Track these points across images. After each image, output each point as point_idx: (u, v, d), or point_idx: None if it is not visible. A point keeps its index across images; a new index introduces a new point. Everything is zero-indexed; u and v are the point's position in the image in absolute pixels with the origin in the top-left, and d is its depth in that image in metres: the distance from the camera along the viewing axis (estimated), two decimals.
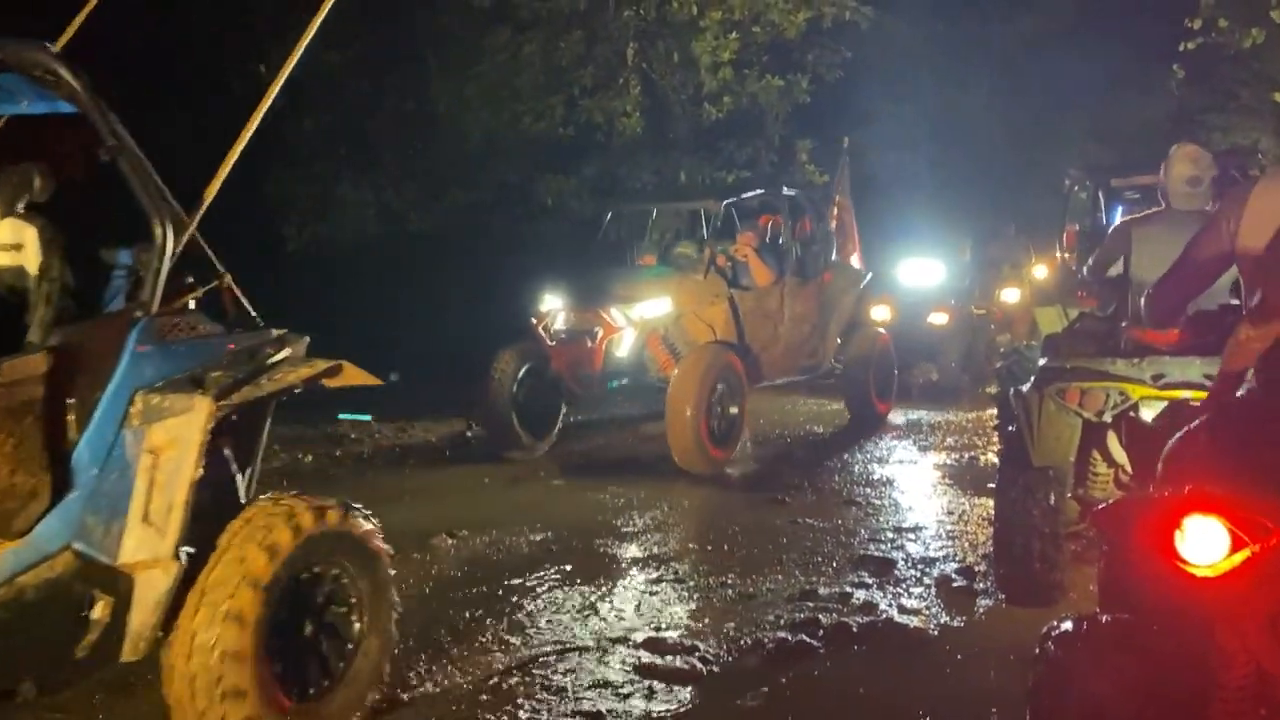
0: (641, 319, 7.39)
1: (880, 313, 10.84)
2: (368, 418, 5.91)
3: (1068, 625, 2.08)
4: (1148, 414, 3.67)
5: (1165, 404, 3.58)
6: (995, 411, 8.57)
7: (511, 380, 7.48)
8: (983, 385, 10.87)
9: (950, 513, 5.91)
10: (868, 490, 6.53)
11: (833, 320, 8.82)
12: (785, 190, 8.95)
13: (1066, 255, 8.53)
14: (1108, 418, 3.78)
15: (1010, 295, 13.30)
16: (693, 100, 12.83)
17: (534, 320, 7.69)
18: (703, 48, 12.11)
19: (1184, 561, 1.79)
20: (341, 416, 5.49)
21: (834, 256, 9.04)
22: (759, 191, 8.96)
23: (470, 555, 5.20)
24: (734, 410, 7.22)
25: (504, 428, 7.49)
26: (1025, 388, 4.02)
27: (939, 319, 11.08)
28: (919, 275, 11.53)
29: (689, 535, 5.57)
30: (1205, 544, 1.78)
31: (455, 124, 12.70)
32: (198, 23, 11.71)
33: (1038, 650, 2.10)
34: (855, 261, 9.50)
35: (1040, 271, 16.13)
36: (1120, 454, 3.96)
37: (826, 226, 9.01)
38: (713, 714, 3.40)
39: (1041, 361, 4.10)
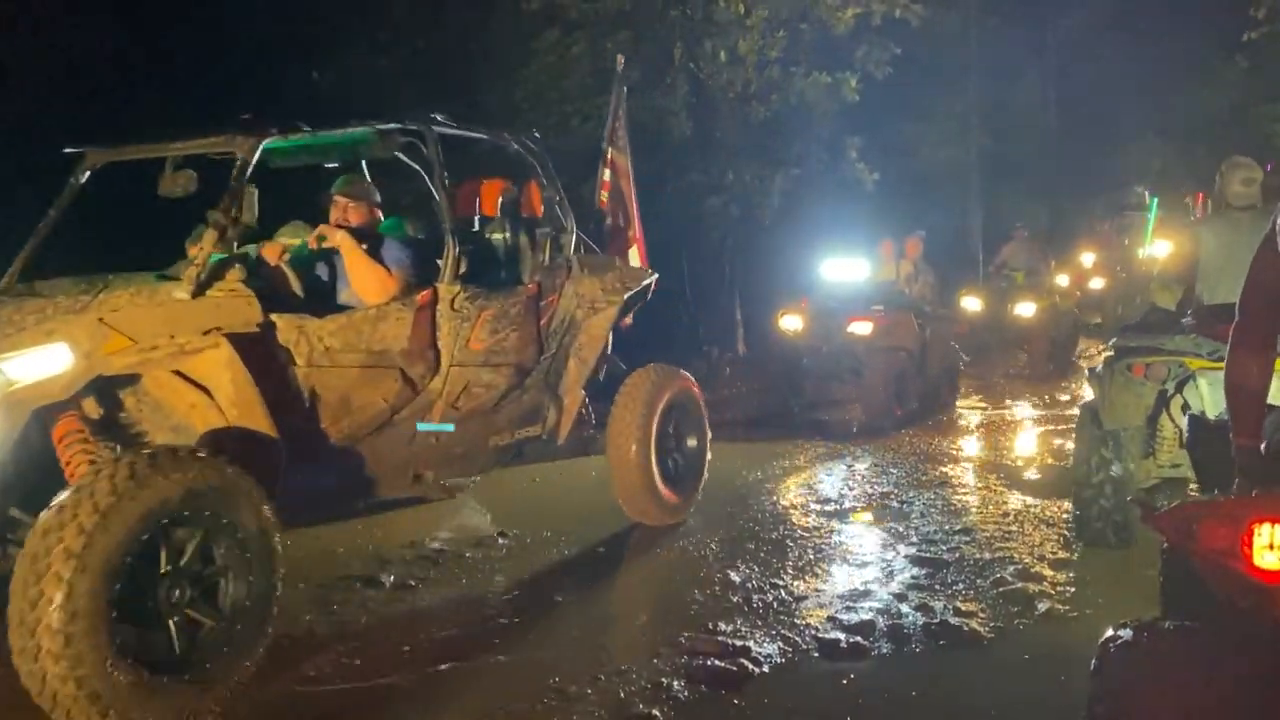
0: (8, 385, 3.47)
1: (791, 322, 9.01)
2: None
3: (1128, 634, 2.02)
4: (1205, 386, 4.29)
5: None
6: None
7: None
8: (941, 413, 9.10)
9: (1005, 514, 5.82)
10: (919, 492, 6.45)
11: (574, 357, 5.36)
12: (443, 124, 4.85)
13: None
14: (1170, 386, 4.54)
15: (1025, 309, 11.86)
16: (740, 99, 12.78)
17: None
18: (749, 46, 12.07)
19: (1254, 567, 1.78)
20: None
21: (576, 247, 5.44)
22: (376, 126, 4.65)
23: (510, 557, 5.23)
24: (241, 594, 3.46)
25: None
26: (1098, 366, 4.83)
27: (860, 329, 8.67)
28: (843, 274, 9.35)
29: (738, 537, 5.54)
30: (1275, 549, 1.78)
31: (504, 126, 12.81)
32: (250, 30, 11.94)
33: (1096, 661, 2.05)
34: (634, 258, 6.12)
35: (1086, 259, 15.48)
36: (1182, 420, 4.52)
37: (559, 199, 5.38)
38: (765, 716, 3.38)
39: (1112, 341, 4.85)
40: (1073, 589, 4.49)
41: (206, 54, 11.16)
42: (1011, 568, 4.78)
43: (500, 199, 5.30)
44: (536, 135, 5.56)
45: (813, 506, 6.10)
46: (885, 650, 3.87)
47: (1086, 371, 4.92)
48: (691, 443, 5.80)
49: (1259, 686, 1.79)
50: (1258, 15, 12.31)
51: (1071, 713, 3.23)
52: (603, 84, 12.45)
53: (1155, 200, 13.38)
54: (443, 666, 3.79)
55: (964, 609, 4.26)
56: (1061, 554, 5.01)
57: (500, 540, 5.42)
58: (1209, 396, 4.30)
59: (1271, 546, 1.77)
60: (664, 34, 12.43)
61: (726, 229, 13.12)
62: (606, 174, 6.03)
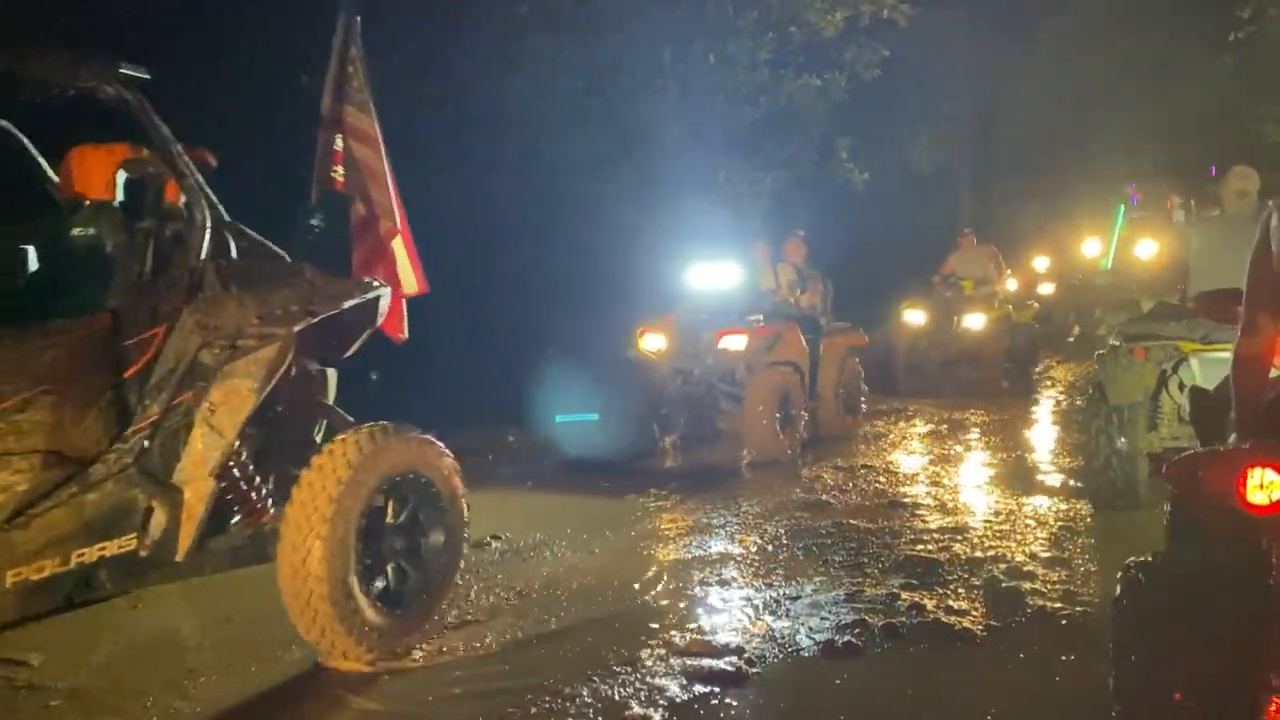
0: None
1: (653, 341, 7.66)
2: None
3: (1144, 561, 2.47)
4: (1197, 365, 4.99)
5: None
6: None
7: None
8: (842, 442, 8.00)
9: (997, 513, 5.84)
10: (913, 491, 6.47)
11: (201, 425, 3.42)
12: None
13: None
14: (1168, 367, 5.24)
15: (974, 321, 11.02)
16: (729, 101, 12.81)
17: None
18: (739, 49, 12.10)
19: (1247, 503, 2.14)
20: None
21: (221, 250, 3.62)
22: None
23: (508, 560, 5.22)
24: None
25: None
26: (1104, 350, 5.47)
27: (734, 343, 7.53)
28: (712, 282, 8.10)
29: (732, 537, 5.55)
30: (1264, 488, 2.14)
31: (494, 129, 12.80)
32: (241, 33, 11.92)
33: (1117, 585, 2.50)
34: (401, 257, 4.60)
35: (1039, 263, 15.05)
36: (1179, 396, 5.20)
37: (180, 174, 3.49)
38: (760, 715, 3.39)
39: (1116, 329, 5.61)
40: (1064, 587, 4.50)
41: (196, 55, 11.15)
42: (1003, 566, 4.79)
43: (120, 175, 3.61)
44: (138, 74, 3.44)
45: (809, 503, 6.10)
46: (879, 649, 3.87)
47: (1095, 354, 5.66)
48: (435, 539, 4.00)
49: (1247, 597, 2.19)
50: (1244, 15, 12.40)
51: (1064, 708, 3.26)
52: (596, 86, 12.47)
53: (1122, 208, 13.06)
54: (436, 668, 3.78)
55: (957, 608, 4.27)
56: (1052, 552, 5.03)
57: (493, 543, 5.41)
58: (1200, 374, 4.96)
59: (1261, 486, 2.13)
60: (653, 36, 12.45)
61: (716, 232, 13.14)
62: (338, 142, 4.28)
